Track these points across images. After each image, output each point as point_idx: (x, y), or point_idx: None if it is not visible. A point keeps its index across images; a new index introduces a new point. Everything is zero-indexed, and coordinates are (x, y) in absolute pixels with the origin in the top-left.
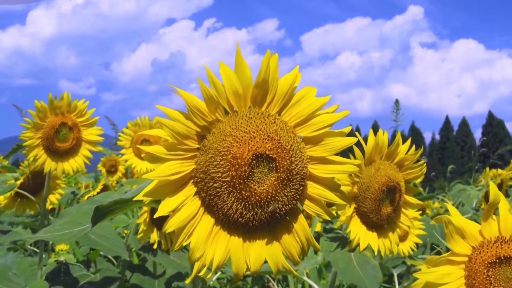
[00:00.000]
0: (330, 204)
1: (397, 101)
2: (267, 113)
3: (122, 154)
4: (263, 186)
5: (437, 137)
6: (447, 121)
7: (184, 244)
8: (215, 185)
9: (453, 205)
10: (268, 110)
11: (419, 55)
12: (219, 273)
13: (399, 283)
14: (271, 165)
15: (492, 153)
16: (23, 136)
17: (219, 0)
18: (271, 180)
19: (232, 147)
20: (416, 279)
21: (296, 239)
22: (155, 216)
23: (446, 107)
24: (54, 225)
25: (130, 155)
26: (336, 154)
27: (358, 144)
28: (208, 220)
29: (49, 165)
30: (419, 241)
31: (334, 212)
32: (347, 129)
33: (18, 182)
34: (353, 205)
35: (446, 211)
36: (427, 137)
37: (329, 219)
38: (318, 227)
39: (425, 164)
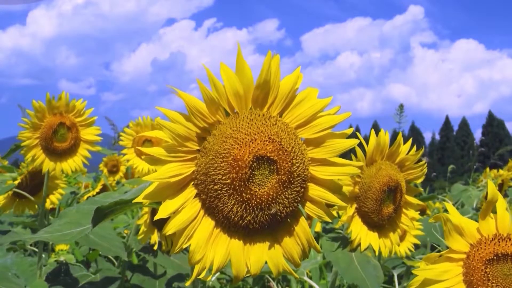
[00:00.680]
0: (330, 205)
1: (401, 105)
2: (269, 115)
3: (124, 154)
4: (264, 188)
5: (437, 137)
6: (447, 121)
7: (184, 246)
8: (216, 187)
9: (453, 205)
10: (269, 112)
11: (419, 55)
12: (218, 273)
13: (399, 283)
14: (272, 167)
15: (492, 153)
16: (21, 136)
17: (219, 0)
18: (272, 182)
19: (233, 149)
20: (415, 276)
21: (297, 242)
22: (155, 218)
23: (446, 107)
24: (54, 225)
25: (132, 155)
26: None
27: (359, 144)
28: (208, 223)
29: (48, 165)
30: (417, 242)
31: (334, 213)
32: (349, 131)
33: (16, 182)
34: (354, 205)
35: (446, 211)
36: (427, 137)
37: (330, 220)
38: (318, 227)
39: (426, 165)
